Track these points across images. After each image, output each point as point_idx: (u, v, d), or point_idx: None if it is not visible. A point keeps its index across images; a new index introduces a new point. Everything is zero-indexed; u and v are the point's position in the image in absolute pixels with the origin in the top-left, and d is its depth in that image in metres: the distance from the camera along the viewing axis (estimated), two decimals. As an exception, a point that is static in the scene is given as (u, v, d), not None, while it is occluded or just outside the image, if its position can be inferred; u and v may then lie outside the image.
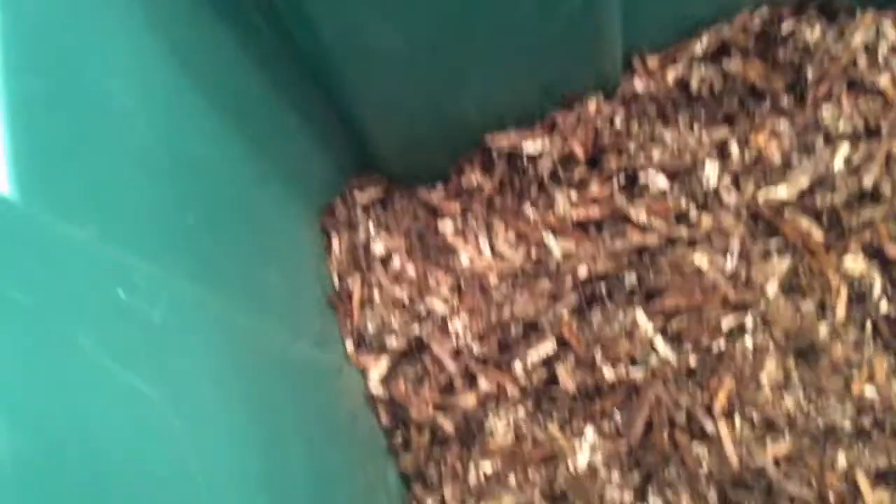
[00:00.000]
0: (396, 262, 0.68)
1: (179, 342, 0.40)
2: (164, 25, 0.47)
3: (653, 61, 0.67)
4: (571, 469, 0.60)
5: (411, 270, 0.68)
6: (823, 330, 0.60)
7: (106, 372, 0.33)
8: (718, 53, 0.67)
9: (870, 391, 0.58)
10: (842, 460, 0.57)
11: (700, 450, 0.59)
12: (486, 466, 0.62)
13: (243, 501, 0.39)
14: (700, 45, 0.66)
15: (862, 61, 0.65)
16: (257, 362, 0.48)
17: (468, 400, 0.63)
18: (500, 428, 0.63)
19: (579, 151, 0.67)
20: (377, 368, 0.65)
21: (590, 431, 0.61)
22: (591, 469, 0.60)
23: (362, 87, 0.59)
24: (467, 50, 0.58)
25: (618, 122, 0.67)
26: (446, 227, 0.69)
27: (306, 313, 0.63)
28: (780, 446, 0.58)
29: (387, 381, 0.65)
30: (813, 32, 0.65)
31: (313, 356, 0.60)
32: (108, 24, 0.43)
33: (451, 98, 0.63)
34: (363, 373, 0.65)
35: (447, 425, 0.63)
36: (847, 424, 0.58)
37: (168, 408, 0.35)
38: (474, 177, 0.69)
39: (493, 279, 0.66)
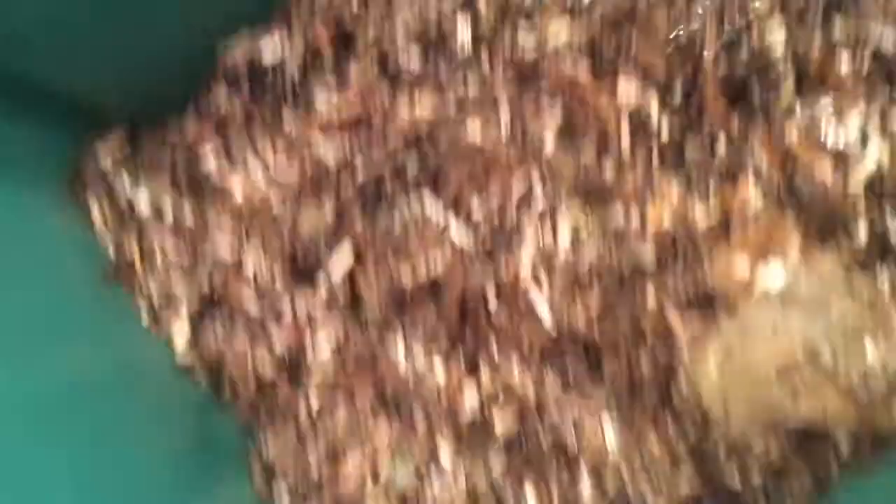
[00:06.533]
0: (168, 214, 0.63)
1: None
2: None
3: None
4: (397, 372, 0.59)
5: (187, 219, 0.62)
6: (609, 171, 0.58)
7: None
8: None
9: (666, 221, 0.57)
10: (651, 300, 0.57)
11: (515, 322, 0.58)
12: (314, 396, 0.60)
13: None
14: None
15: None
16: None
17: (280, 337, 0.61)
18: (320, 354, 0.60)
19: (323, 44, 0.60)
20: (180, 334, 0.61)
21: (403, 338, 0.60)
22: (414, 367, 0.59)
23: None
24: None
25: (354, 3, 0.60)
26: (209, 163, 0.63)
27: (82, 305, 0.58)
28: (591, 300, 0.57)
29: (193, 343, 0.61)
30: None
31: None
32: None
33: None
34: (168, 342, 0.61)
35: (267, 369, 0.61)
36: (649, 261, 0.57)
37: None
38: (222, 98, 0.62)
39: (274, 204, 0.62)
